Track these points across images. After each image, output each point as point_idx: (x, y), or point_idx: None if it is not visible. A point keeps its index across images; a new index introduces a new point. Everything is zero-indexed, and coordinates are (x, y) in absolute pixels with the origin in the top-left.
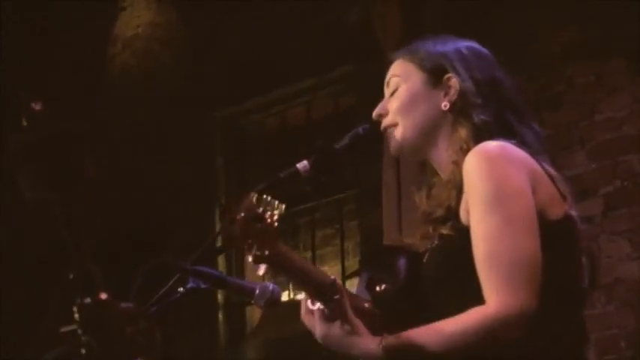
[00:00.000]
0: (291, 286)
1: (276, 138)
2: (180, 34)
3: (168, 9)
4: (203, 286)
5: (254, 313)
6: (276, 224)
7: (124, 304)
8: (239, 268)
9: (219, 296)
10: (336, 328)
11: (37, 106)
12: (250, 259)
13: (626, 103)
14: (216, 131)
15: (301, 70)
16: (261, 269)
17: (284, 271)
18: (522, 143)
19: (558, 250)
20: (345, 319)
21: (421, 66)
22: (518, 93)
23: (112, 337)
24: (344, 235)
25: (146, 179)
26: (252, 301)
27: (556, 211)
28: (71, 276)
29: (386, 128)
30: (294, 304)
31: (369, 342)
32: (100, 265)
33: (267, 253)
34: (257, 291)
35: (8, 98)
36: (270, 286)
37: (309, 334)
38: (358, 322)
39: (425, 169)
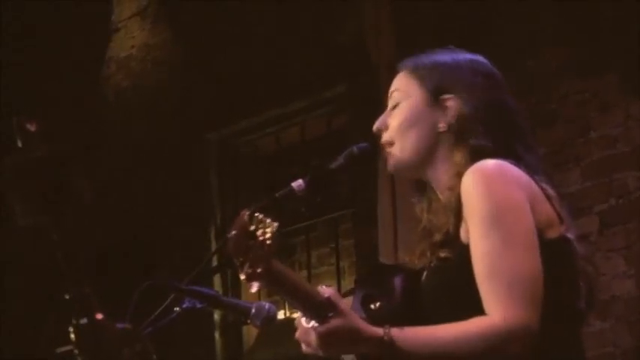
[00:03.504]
0: (287, 303)
1: (271, 158)
2: (174, 55)
3: (162, 30)
4: (199, 305)
5: (250, 333)
6: (269, 242)
7: (119, 325)
8: (235, 288)
9: (216, 316)
10: (339, 333)
11: (32, 127)
12: (242, 276)
13: (620, 120)
14: (211, 152)
15: (294, 90)
16: (254, 287)
17: (277, 288)
18: (520, 163)
19: (554, 271)
20: (347, 326)
21: (423, 83)
22: (520, 114)
23: (108, 358)
24: (340, 253)
25: (141, 199)
26: (249, 320)
27: (552, 232)
28: (67, 297)
29: (384, 145)
30: (291, 323)
31: (372, 330)
32: (95, 285)
33: (259, 270)
34: (253, 310)
35: (2, 120)
36: (266, 305)
37: (304, 353)
38: (359, 320)
39: (419, 187)
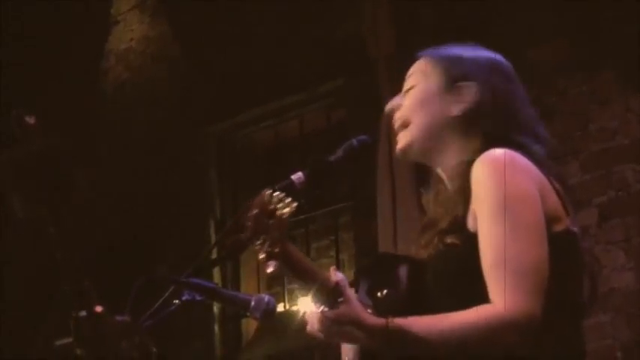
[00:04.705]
0: (286, 296)
1: (269, 151)
2: (173, 48)
3: (160, 23)
4: (198, 298)
5: (250, 326)
6: (286, 222)
7: (119, 317)
8: (234, 281)
9: (215, 308)
10: (344, 320)
11: (31, 120)
12: (262, 255)
13: (618, 113)
14: (210, 145)
15: (293, 83)
16: (271, 266)
17: (291, 269)
18: (530, 155)
19: (559, 264)
20: (353, 314)
21: (441, 69)
22: (532, 108)
23: (107, 351)
24: (339, 246)
25: (139, 194)
26: (248, 313)
27: (558, 225)
28: (67, 289)
29: (394, 125)
30: (290, 316)
31: (376, 320)
32: (95, 278)
33: (277, 250)
34: (252, 303)
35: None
36: (266, 297)
37: (304, 345)
38: (364, 310)
39: (417, 180)
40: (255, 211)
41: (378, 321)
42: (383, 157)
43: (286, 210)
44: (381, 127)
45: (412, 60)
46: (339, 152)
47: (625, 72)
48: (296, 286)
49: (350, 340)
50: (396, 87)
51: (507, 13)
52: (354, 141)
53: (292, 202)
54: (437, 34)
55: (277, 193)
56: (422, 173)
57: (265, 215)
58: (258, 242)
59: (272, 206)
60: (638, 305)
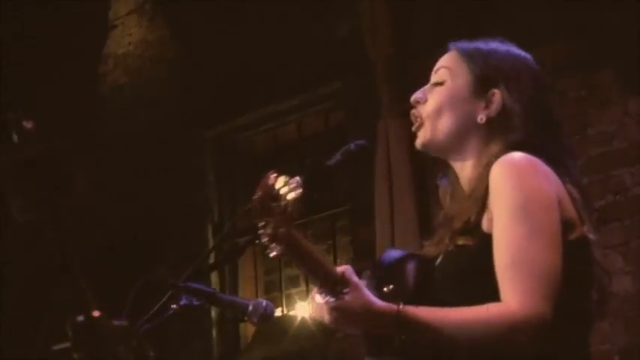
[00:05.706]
0: (284, 301)
1: (267, 155)
2: (172, 52)
3: (159, 27)
4: (196, 302)
5: (247, 330)
6: (291, 206)
7: (116, 322)
8: (232, 285)
9: (213, 313)
10: (352, 307)
11: (29, 125)
12: (265, 238)
13: (617, 116)
14: (208, 149)
15: (291, 87)
16: (275, 251)
17: (296, 255)
18: (550, 162)
19: (571, 271)
20: (361, 300)
21: (473, 69)
22: (558, 113)
23: (104, 355)
24: (336, 250)
25: (138, 197)
26: (246, 317)
27: (573, 233)
28: (65, 292)
29: (416, 117)
30: (288, 320)
31: (386, 306)
32: (93, 282)
33: (281, 231)
34: (250, 307)
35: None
36: (264, 302)
37: (302, 350)
38: (372, 296)
39: (415, 184)
40: (259, 194)
41: (388, 306)
42: (381, 161)
43: (291, 194)
44: (379, 130)
45: (413, 60)
46: (337, 156)
47: (624, 73)
48: (294, 290)
49: (360, 327)
50: (394, 88)
51: (507, 13)
52: (352, 145)
53: (297, 187)
54: (436, 34)
55: (282, 176)
56: (422, 174)
57: (269, 198)
58: (261, 224)
59: (276, 190)
60: (636, 309)
